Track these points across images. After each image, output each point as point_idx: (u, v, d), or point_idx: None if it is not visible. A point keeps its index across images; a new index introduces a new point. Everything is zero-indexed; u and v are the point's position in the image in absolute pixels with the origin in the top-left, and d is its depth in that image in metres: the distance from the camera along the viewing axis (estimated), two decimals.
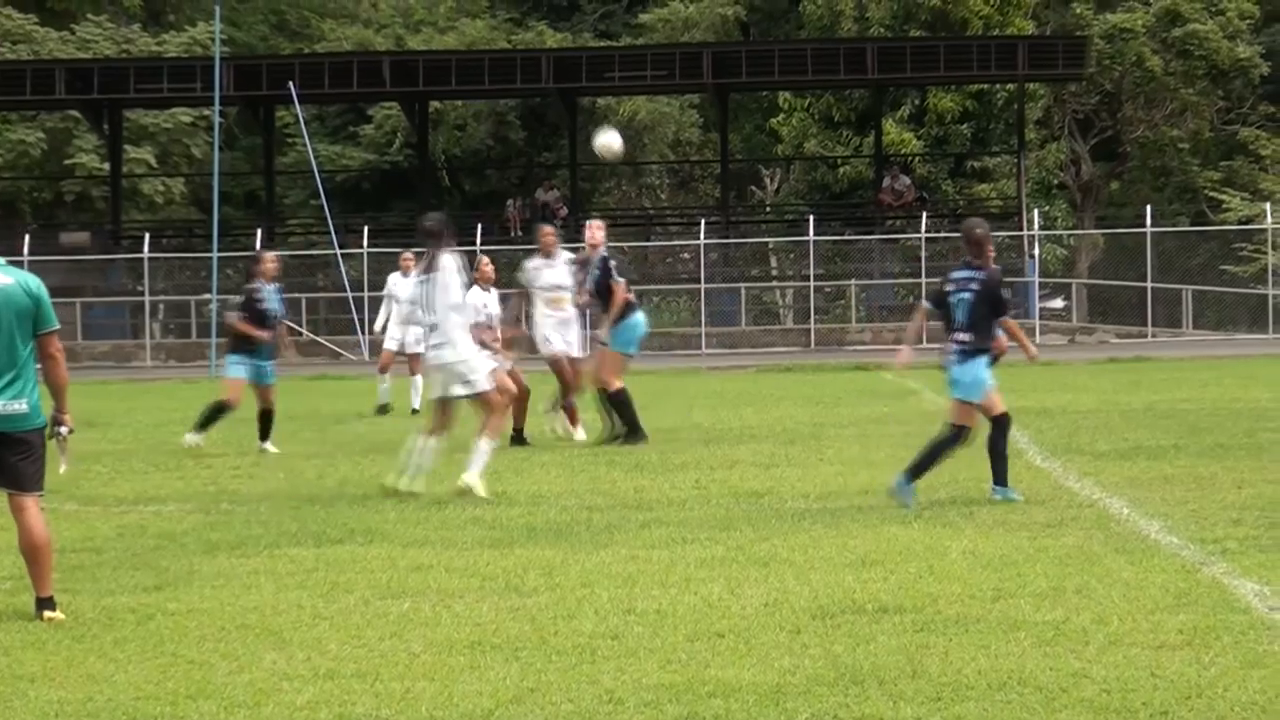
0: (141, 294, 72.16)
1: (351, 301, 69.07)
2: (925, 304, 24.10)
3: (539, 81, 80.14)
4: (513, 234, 76.21)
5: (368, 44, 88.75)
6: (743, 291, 73.75)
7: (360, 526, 20.49)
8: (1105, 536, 18.45)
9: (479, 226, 70.59)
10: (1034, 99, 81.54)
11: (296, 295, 72.11)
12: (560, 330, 29.07)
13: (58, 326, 14.28)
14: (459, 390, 24.25)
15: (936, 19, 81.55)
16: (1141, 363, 55.71)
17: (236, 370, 29.62)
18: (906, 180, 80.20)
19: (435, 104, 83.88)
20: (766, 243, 75.75)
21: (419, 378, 39.52)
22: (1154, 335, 70.30)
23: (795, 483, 22.93)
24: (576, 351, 29.26)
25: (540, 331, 29.37)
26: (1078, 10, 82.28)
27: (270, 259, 28.68)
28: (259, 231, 72.36)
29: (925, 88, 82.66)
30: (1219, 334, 69.43)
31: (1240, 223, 76.22)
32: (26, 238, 73.43)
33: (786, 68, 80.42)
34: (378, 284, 70.17)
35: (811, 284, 72.39)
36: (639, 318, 29.70)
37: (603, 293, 28.62)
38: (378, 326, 44.26)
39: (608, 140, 24.72)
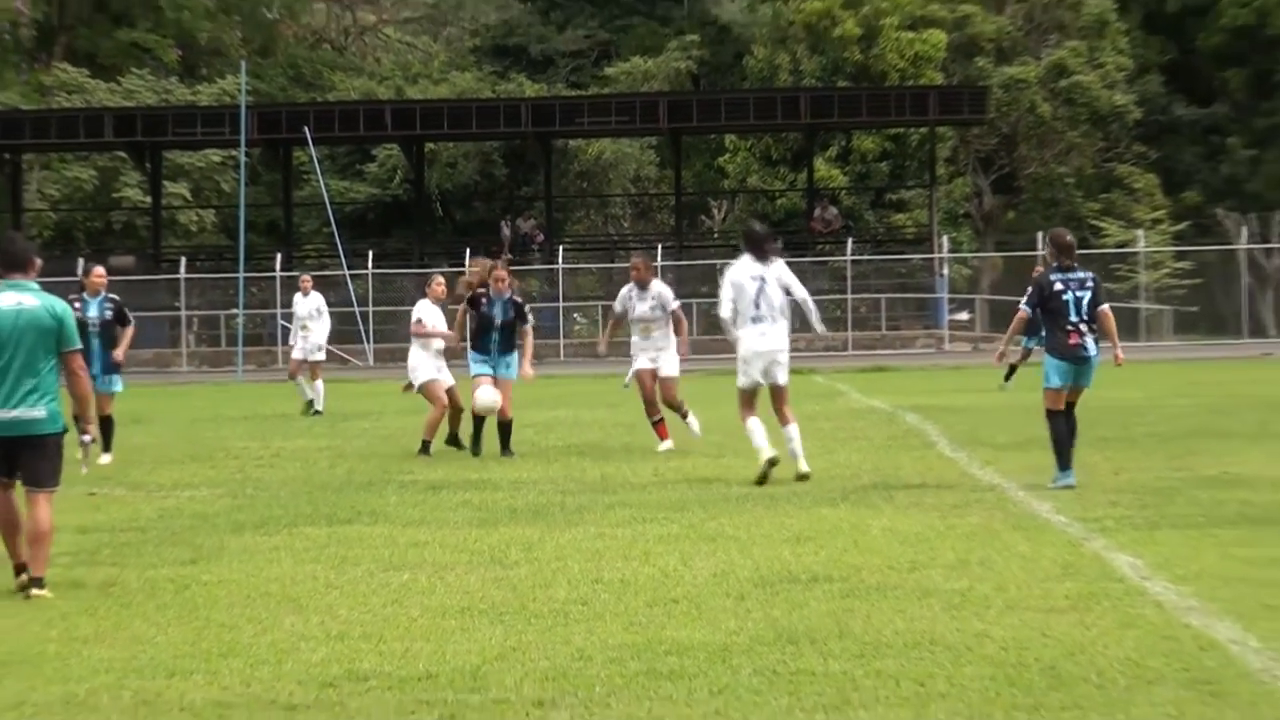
0: (178, 309, 71.93)
1: (358, 315, 68.92)
2: (1025, 309, 23.73)
3: (519, 126, 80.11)
4: (506, 254, 76.13)
5: (372, 93, 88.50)
6: (695, 306, 73.40)
7: (366, 509, 20.49)
8: (1004, 516, 18.48)
9: (468, 250, 70.49)
10: (943, 140, 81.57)
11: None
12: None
13: (79, 346, 14.32)
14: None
15: (859, 72, 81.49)
16: (1034, 367, 55.47)
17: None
18: (834, 210, 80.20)
19: (430, 145, 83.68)
20: (715, 264, 75.56)
21: (318, 381, 40.37)
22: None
23: (740, 470, 22.90)
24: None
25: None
26: (979, 64, 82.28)
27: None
28: (279, 255, 72.11)
29: (850, 131, 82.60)
30: (1100, 342, 69.38)
31: (1117, 247, 76.25)
32: (80, 260, 73.08)
33: (731, 114, 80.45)
34: (381, 300, 70.27)
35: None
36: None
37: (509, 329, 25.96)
38: (293, 342, 43.35)
39: (487, 401, 24.30)
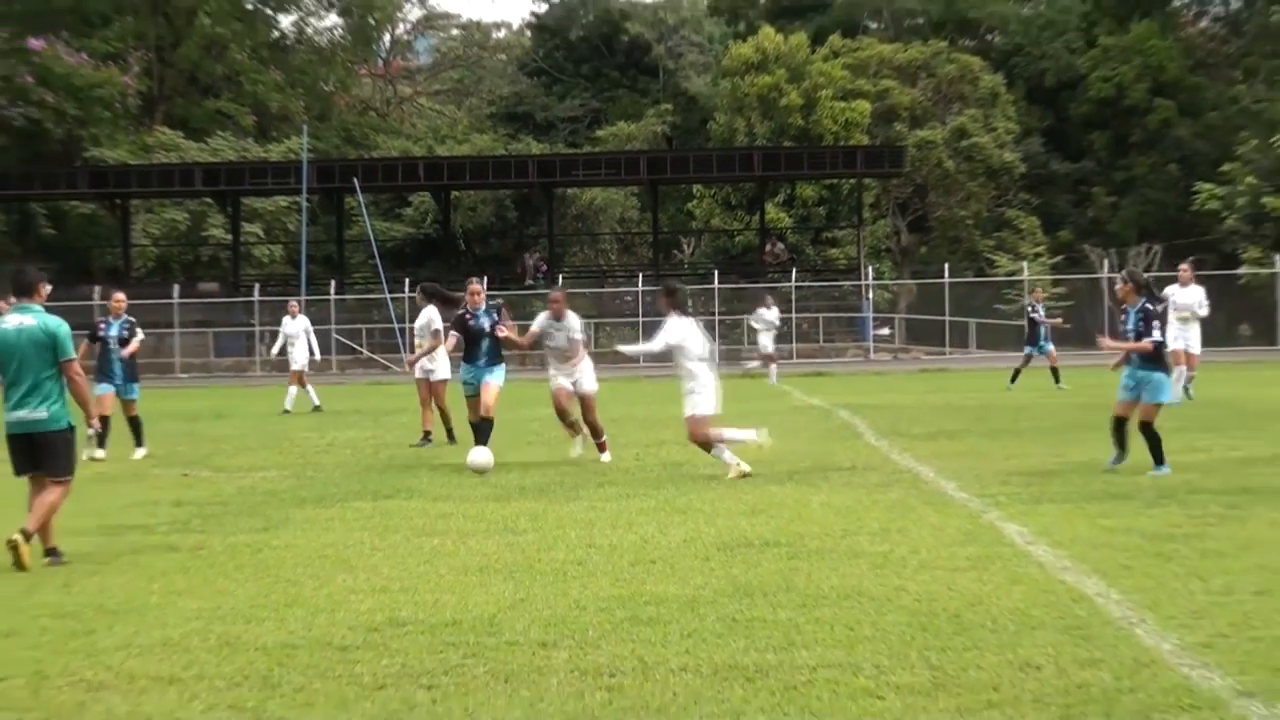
0: (253, 325, 71.76)
1: (397, 331, 68.71)
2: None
3: (526, 177, 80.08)
4: (527, 280, 76.13)
5: (408, 151, 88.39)
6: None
7: (403, 487, 20.45)
8: (918, 493, 18.45)
9: (485, 278, 70.34)
10: (868, 189, 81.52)
11: (358, 326, 71.95)
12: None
13: (73, 356, 14.26)
14: None
15: (801, 134, 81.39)
16: (942, 373, 55.58)
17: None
18: (781, 246, 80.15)
19: (455, 193, 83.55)
20: (686, 289, 75.57)
21: (291, 387, 40.26)
22: (950, 353, 70.37)
23: (705, 455, 22.84)
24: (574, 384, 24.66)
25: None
26: (897, 128, 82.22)
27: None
28: (333, 282, 72.03)
29: (794, 181, 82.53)
30: (993, 352, 69.39)
31: (1007, 275, 76.24)
32: (176, 287, 73.18)
33: (698, 168, 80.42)
34: (415, 318, 70.00)
35: (716, 318, 72.08)
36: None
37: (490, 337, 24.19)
38: (275, 351, 43.91)
39: (478, 460, 23.39)
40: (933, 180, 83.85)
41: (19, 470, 14.28)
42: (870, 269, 75.19)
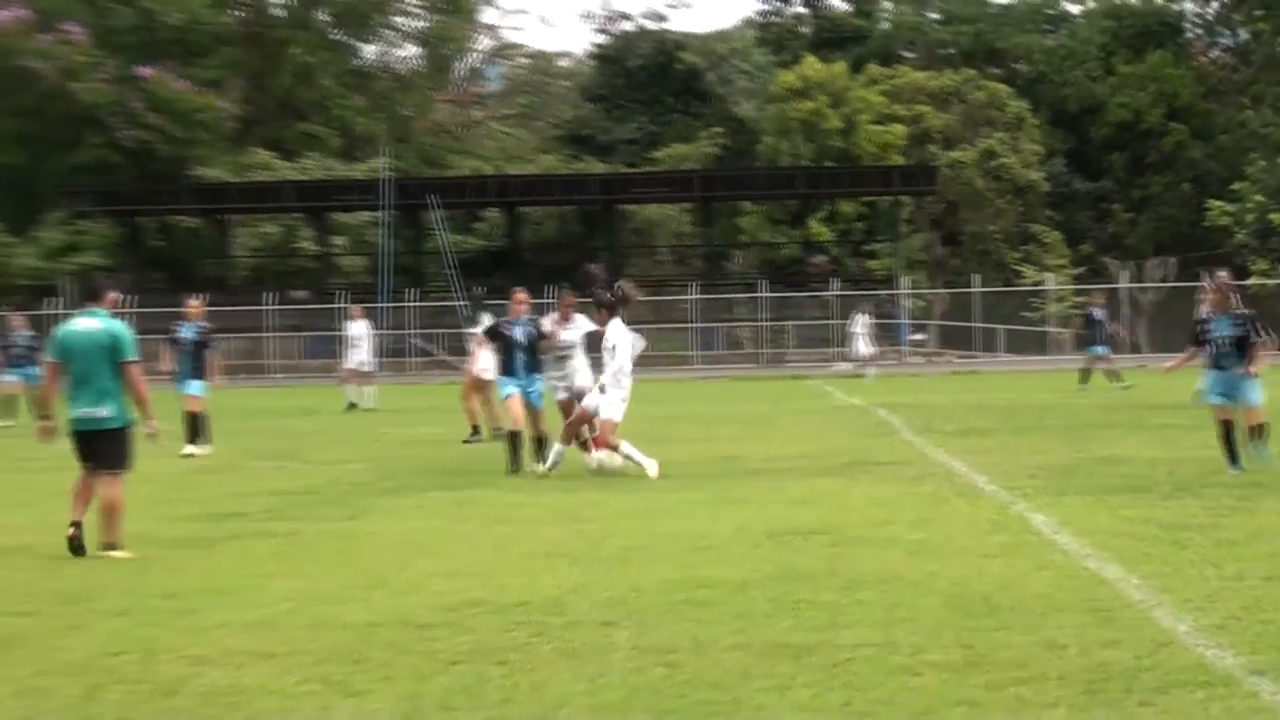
0: (338, 330, 71.80)
1: (467, 335, 68.82)
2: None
3: (589, 194, 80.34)
4: (590, 289, 76.18)
5: (480, 170, 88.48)
6: (719, 329, 73.51)
7: (476, 479, 20.50)
8: (950, 486, 18.40)
9: (550, 286, 70.38)
10: (904, 206, 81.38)
11: (434, 330, 71.99)
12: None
13: (134, 358, 14.16)
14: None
15: (842, 155, 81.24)
16: (972, 375, 55.45)
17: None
18: (823, 258, 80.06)
19: (523, 208, 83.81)
20: (735, 297, 75.46)
21: (364, 387, 40.29)
22: (979, 357, 70.24)
23: (754, 451, 22.81)
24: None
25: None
26: (930, 149, 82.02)
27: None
28: (411, 292, 72.16)
29: (835, 199, 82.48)
30: (1019, 357, 69.23)
31: (1032, 285, 76.07)
32: (269, 295, 73.45)
33: (747, 186, 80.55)
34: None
35: (763, 324, 72.15)
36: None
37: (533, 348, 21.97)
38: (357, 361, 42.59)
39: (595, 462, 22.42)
40: (963, 198, 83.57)
41: (85, 460, 14.23)
42: (906, 279, 75.12)
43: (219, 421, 27.26)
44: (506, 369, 22.01)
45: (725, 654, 9.52)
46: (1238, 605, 10.61)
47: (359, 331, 40.92)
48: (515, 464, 21.16)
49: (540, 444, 21.65)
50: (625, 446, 20.59)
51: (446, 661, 9.52)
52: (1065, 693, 8.36)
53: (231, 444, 26.98)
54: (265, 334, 73.20)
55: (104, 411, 13.89)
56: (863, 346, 52.53)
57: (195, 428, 26.06)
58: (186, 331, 26.91)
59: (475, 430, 28.33)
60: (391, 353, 71.12)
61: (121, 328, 14.20)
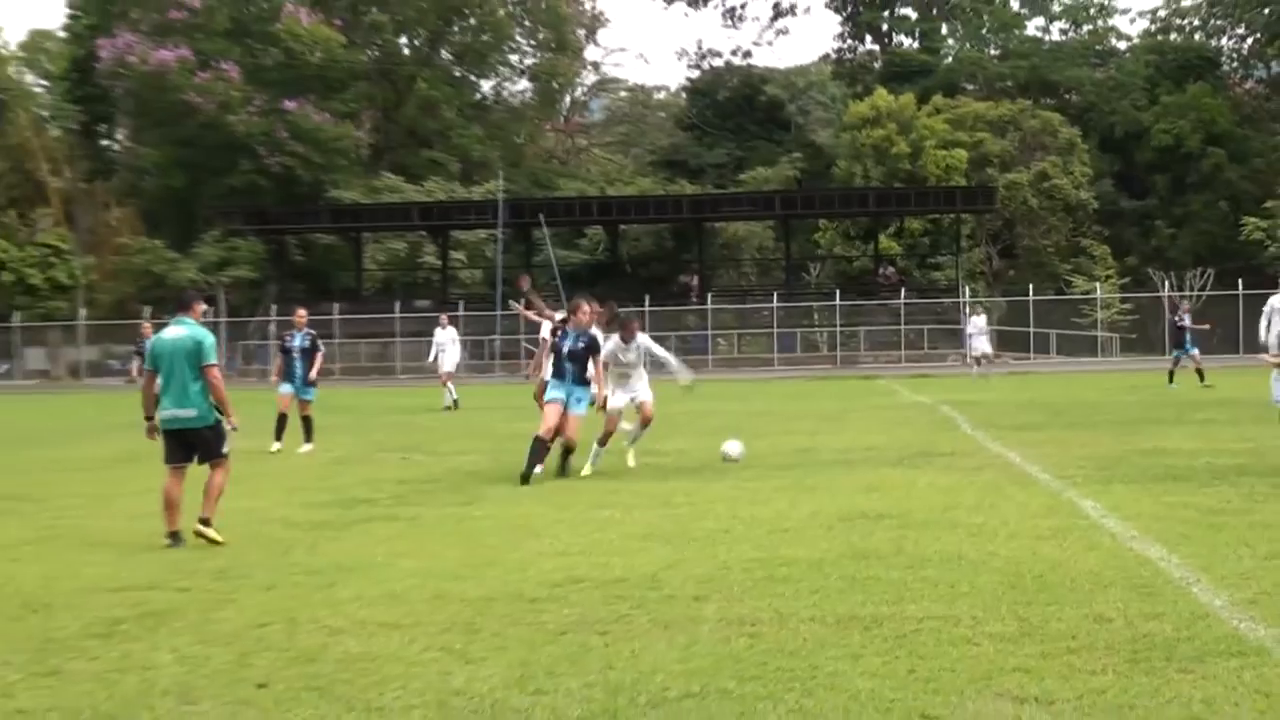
0: (459, 336, 72.15)
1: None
2: None
3: (681, 213, 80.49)
4: (691, 298, 76.51)
5: (584, 192, 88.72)
6: (798, 334, 73.36)
7: (578, 468, 20.51)
8: (1007, 475, 18.29)
9: (647, 295, 70.54)
10: (965, 223, 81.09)
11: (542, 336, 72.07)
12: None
13: (214, 361, 14.09)
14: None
15: (909, 177, 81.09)
16: (1027, 375, 55.02)
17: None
18: (892, 269, 80.00)
19: (622, 226, 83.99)
20: (812, 305, 75.32)
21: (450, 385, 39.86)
22: (1034, 359, 69.86)
23: (828, 443, 22.75)
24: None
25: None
26: (989, 172, 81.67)
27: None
28: (522, 301, 72.27)
29: (903, 216, 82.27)
30: (1070, 359, 68.76)
31: (1083, 294, 75.63)
32: (397, 303, 73.93)
33: (823, 205, 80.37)
34: None
35: (838, 329, 72.04)
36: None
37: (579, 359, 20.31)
38: (430, 359, 42.75)
39: (731, 452, 22.01)
40: (1019, 215, 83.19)
41: (169, 459, 14.09)
42: (967, 289, 74.88)
43: (351, 418, 27.41)
44: (556, 372, 20.68)
45: (802, 625, 9.50)
46: (1270, 582, 10.52)
47: (445, 338, 41.03)
48: (529, 470, 19.08)
49: (568, 453, 20.18)
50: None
51: (553, 632, 9.54)
52: (1111, 661, 8.32)
53: (362, 438, 27.12)
54: (393, 339, 73.67)
55: (190, 412, 13.87)
56: (982, 345, 52.03)
57: (309, 428, 26.00)
58: (296, 340, 26.88)
59: None
60: (502, 355, 71.48)
61: (206, 334, 14.17)
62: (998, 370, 51.29)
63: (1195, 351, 41.14)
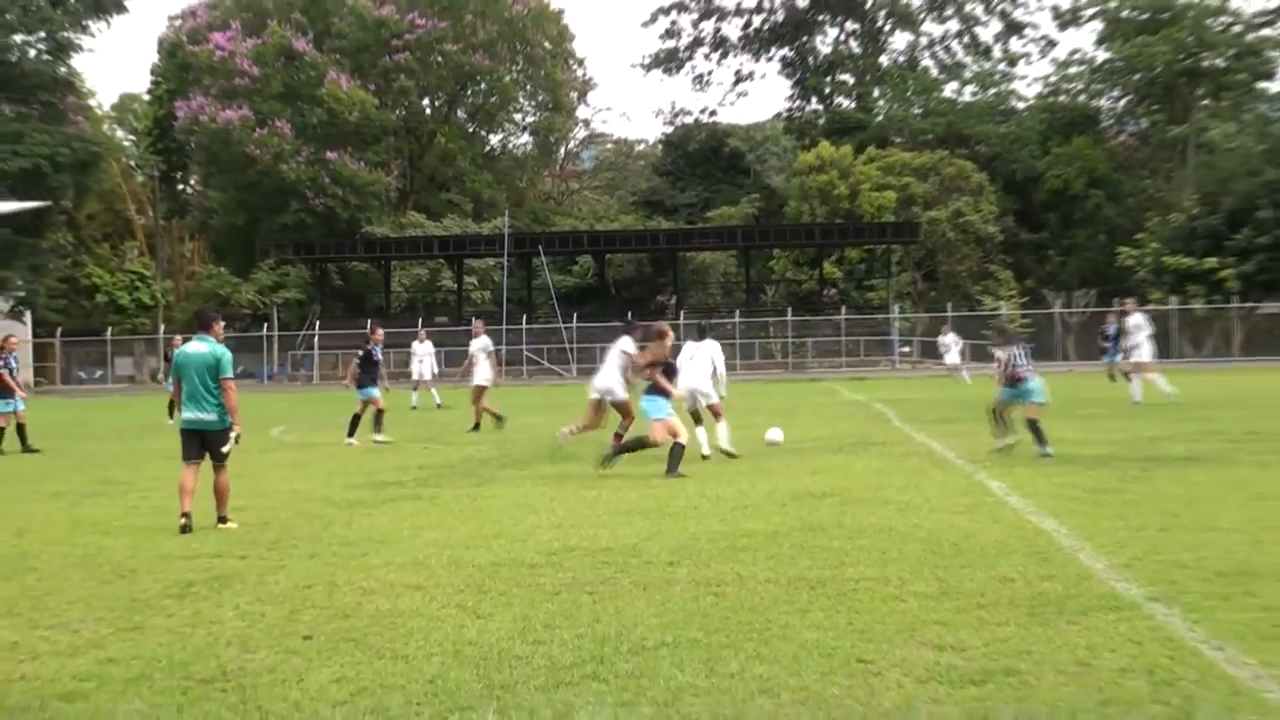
0: (465, 347, 71.93)
1: (569, 350, 69.00)
2: None
3: (658, 244, 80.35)
4: (666, 313, 76.51)
5: (576, 227, 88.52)
6: (756, 344, 73.26)
7: (572, 457, 20.47)
8: (929, 460, 18.30)
9: (629, 312, 70.50)
10: (894, 252, 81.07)
11: (541, 346, 72.07)
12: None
13: (231, 375, 13.78)
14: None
15: (847, 214, 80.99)
16: (947, 378, 55.10)
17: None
18: (834, 291, 79.94)
19: (608, 255, 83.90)
20: (768, 320, 75.22)
21: (428, 390, 39.13)
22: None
23: (761, 435, 22.71)
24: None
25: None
26: (914, 210, 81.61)
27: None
28: (523, 317, 72.36)
29: (843, 247, 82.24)
30: (980, 364, 68.64)
31: (990, 310, 75.82)
32: (420, 320, 73.80)
33: (777, 237, 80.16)
34: (581, 339, 70.15)
35: (789, 340, 71.91)
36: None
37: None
38: (419, 372, 40.33)
39: (774, 437, 21.67)
40: (939, 245, 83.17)
41: (186, 455, 13.76)
42: (896, 307, 75.02)
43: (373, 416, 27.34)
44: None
45: (759, 586, 9.50)
46: (1140, 549, 10.56)
47: (424, 350, 40.49)
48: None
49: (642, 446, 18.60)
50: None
51: (550, 592, 9.53)
52: (1013, 614, 8.34)
53: (391, 431, 27.08)
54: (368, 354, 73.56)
55: (210, 416, 13.65)
56: (954, 357, 51.70)
57: (380, 421, 25.79)
58: (378, 353, 26.79)
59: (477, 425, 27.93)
60: (508, 362, 71.44)
61: (224, 351, 13.91)
62: (966, 374, 51.04)
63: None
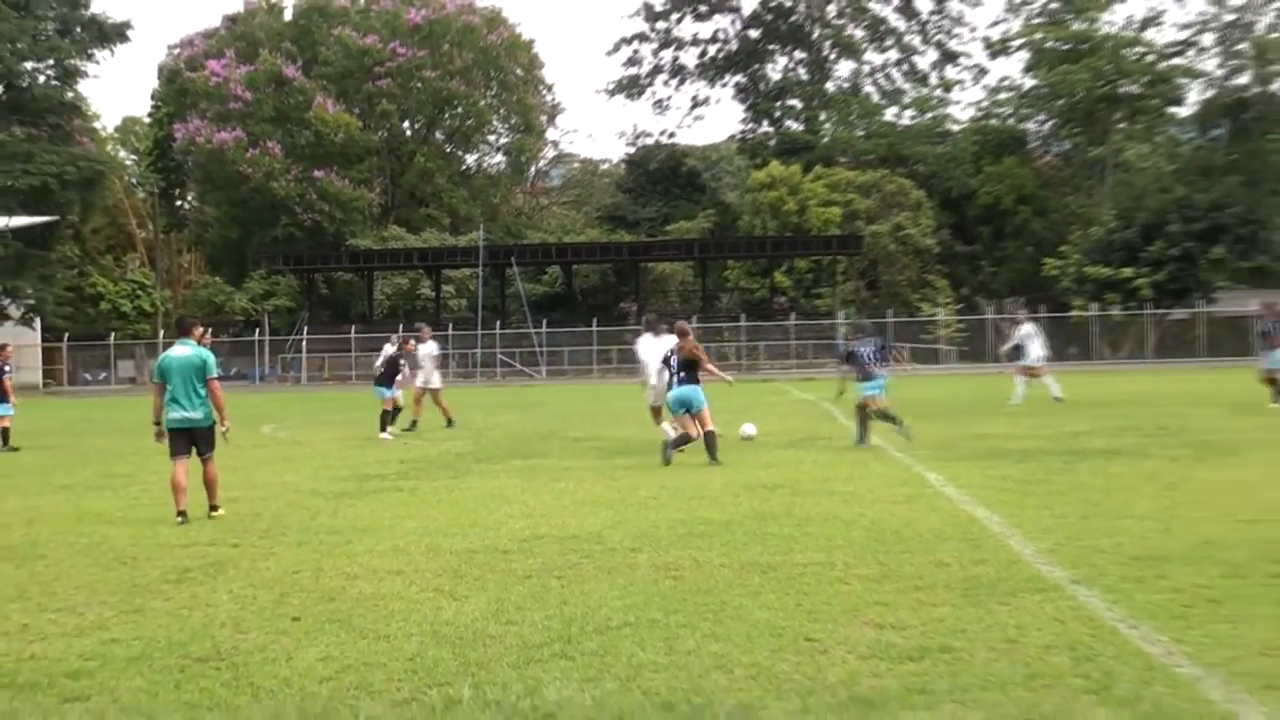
0: (449, 350, 71.86)
1: (538, 353, 68.94)
2: None
3: (621, 256, 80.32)
4: (629, 321, 76.37)
5: (546, 240, 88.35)
6: (712, 348, 73.25)
7: (542, 453, 20.45)
8: (872, 454, 18.36)
9: (595, 319, 70.50)
10: (840, 263, 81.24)
11: (513, 349, 71.92)
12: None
13: (216, 375, 13.73)
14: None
15: (796, 228, 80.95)
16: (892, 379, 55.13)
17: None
18: (784, 298, 79.96)
19: (576, 265, 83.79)
20: (723, 326, 75.23)
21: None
22: (893, 368, 69.97)
23: (736, 431, 22.75)
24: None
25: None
26: (857, 224, 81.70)
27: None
28: (497, 323, 72.20)
29: (792, 258, 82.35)
30: (920, 366, 68.75)
31: (928, 316, 76.02)
32: (400, 326, 73.39)
33: (731, 249, 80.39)
34: (550, 343, 70.06)
35: (743, 344, 72.03)
36: None
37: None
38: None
39: (748, 431, 22.02)
40: (881, 257, 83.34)
41: (175, 452, 13.59)
42: (841, 314, 75.13)
43: (366, 414, 27.27)
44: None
45: (715, 570, 9.50)
46: (1064, 535, 10.61)
47: (427, 353, 39.27)
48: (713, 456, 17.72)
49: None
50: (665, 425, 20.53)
51: (521, 576, 9.51)
52: (949, 596, 8.36)
53: (374, 429, 26.98)
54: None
55: (197, 414, 13.52)
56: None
57: (388, 418, 25.72)
58: (405, 357, 26.90)
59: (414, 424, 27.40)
60: (483, 364, 71.22)
61: (208, 354, 13.84)
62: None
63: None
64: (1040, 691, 6.23)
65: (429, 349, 28.74)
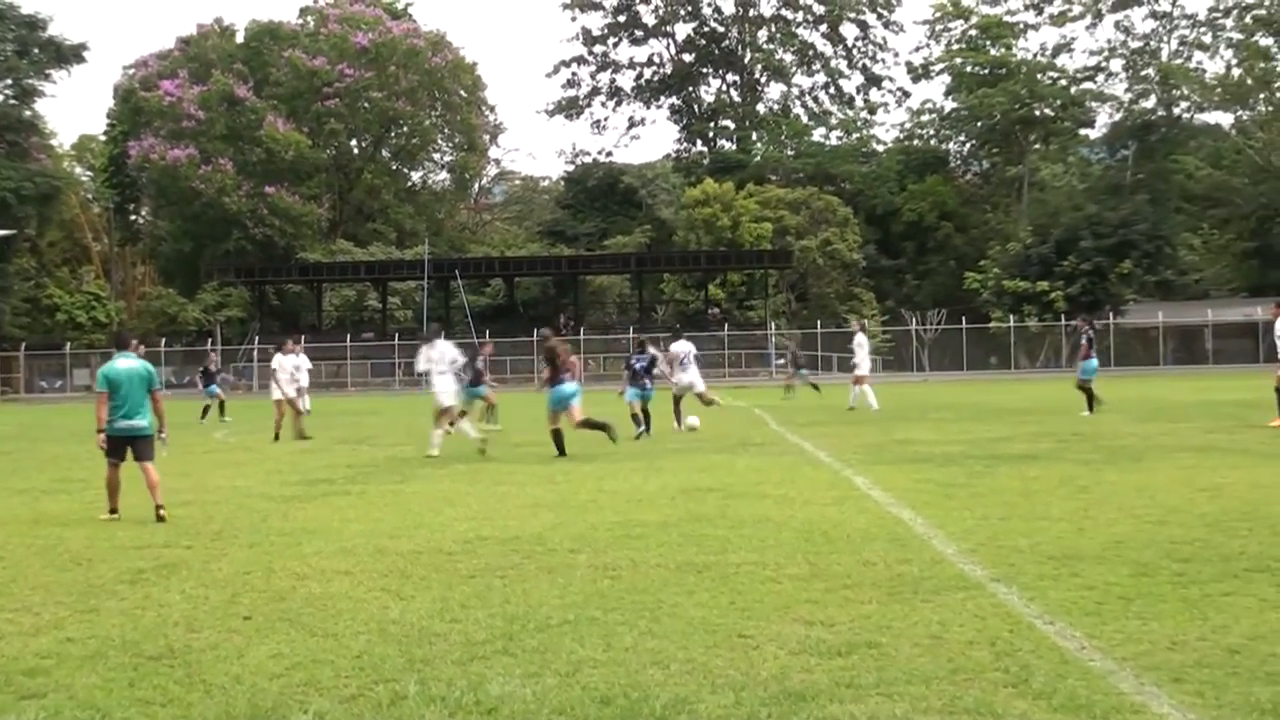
0: (394, 359, 71.50)
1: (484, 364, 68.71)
2: None
3: (561, 269, 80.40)
4: (562, 331, 76.20)
5: (489, 253, 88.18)
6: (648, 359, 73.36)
7: (487, 458, 20.38)
8: (802, 459, 18.41)
9: (535, 330, 70.42)
10: (771, 277, 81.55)
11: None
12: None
13: (160, 386, 13.75)
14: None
15: (730, 243, 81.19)
16: (825, 383, 55.49)
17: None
18: (718, 310, 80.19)
19: (517, 278, 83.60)
20: (659, 337, 75.24)
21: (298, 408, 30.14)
22: (820, 374, 70.33)
23: (671, 437, 22.73)
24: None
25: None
26: (788, 240, 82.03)
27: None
28: (442, 333, 71.86)
29: (726, 271, 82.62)
30: (847, 375, 69.20)
31: (855, 328, 76.61)
32: (348, 335, 73.31)
33: (667, 263, 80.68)
34: (493, 354, 69.91)
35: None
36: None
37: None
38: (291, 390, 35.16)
39: (693, 423, 22.92)
40: (810, 270, 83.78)
41: (113, 456, 13.46)
42: (773, 324, 75.43)
43: (314, 420, 27.03)
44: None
45: (651, 570, 9.49)
46: (984, 536, 10.66)
47: (297, 363, 36.63)
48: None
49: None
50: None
51: (465, 576, 9.47)
52: (875, 594, 8.38)
53: (322, 434, 26.81)
54: (345, 361, 72.94)
55: (142, 423, 13.46)
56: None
57: (491, 413, 26.68)
58: (480, 361, 27.45)
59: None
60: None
61: (150, 367, 13.79)
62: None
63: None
64: (962, 685, 6.26)
65: (296, 361, 27.68)
